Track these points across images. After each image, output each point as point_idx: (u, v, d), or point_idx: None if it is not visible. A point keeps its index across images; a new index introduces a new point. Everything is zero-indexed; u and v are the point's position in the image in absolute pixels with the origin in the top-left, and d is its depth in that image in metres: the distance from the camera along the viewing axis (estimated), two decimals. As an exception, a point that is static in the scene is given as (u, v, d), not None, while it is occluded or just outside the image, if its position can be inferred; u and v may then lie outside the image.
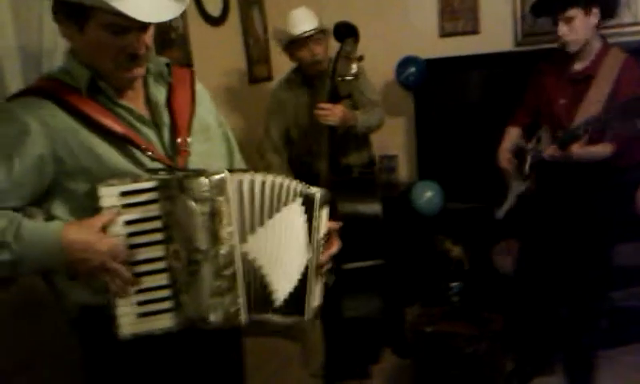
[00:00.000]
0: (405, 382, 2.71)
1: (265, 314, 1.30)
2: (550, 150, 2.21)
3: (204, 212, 1.19)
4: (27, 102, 1.19)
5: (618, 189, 2.27)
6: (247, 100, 3.17)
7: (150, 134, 1.29)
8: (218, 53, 2.93)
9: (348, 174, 2.61)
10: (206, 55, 2.71)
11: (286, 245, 1.32)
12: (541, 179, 2.36)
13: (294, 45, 2.55)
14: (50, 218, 1.21)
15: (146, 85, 1.33)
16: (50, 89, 1.21)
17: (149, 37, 1.22)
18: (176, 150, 1.29)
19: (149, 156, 1.24)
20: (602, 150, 2.14)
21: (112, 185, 1.17)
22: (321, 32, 2.53)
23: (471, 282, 2.94)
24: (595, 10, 2.14)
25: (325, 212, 1.38)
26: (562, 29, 2.17)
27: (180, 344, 1.28)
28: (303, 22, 2.51)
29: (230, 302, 1.23)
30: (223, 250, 1.21)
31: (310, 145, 2.62)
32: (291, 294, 1.32)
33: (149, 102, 1.32)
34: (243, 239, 1.26)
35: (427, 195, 3.08)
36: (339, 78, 2.36)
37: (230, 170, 1.26)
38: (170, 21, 1.30)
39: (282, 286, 1.31)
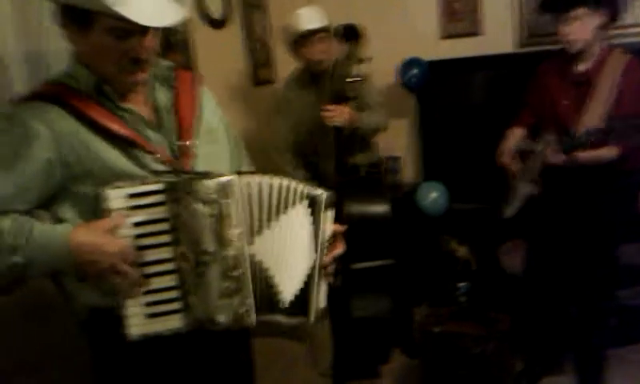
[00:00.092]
0: (413, 381, 2.71)
1: (271, 314, 1.31)
2: (555, 158, 2.21)
3: (211, 214, 1.20)
4: (33, 107, 1.19)
5: (624, 191, 2.27)
6: (250, 102, 3.17)
7: (156, 137, 1.29)
8: (220, 55, 2.94)
9: (355, 174, 2.61)
10: (208, 58, 2.72)
11: (291, 246, 1.32)
12: (547, 181, 2.36)
13: (300, 42, 2.56)
14: (57, 221, 1.21)
15: (150, 88, 1.33)
16: (55, 93, 1.22)
17: (153, 41, 1.23)
18: (181, 153, 1.30)
19: (155, 159, 1.25)
20: (608, 153, 2.14)
21: (119, 187, 1.17)
22: (328, 31, 2.54)
23: (478, 282, 2.93)
24: (602, 12, 2.14)
25: (330, 214, 1.38)
26: (567, 27, 2.16)
27: (189, 345, 1.28)
28: (312, 19, 2.54)
29: (239, 303, 1.24)
30: (231, 252, 1.22)
31: (315, 145, 2.63)
32: (296, 296, 1.32)
33: (153, 105, 1.33)
34: (250, 241, 1.26)
35: (432, 196, 3.08)
36: (345, 79, 2.37)
37: (239, 173, 1.27)
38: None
39: (287, 288, 1.31)
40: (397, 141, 3.40)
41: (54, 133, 1.17)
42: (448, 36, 3.28)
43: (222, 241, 1.21)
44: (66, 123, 1.19)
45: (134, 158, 1.24)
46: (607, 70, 2.18)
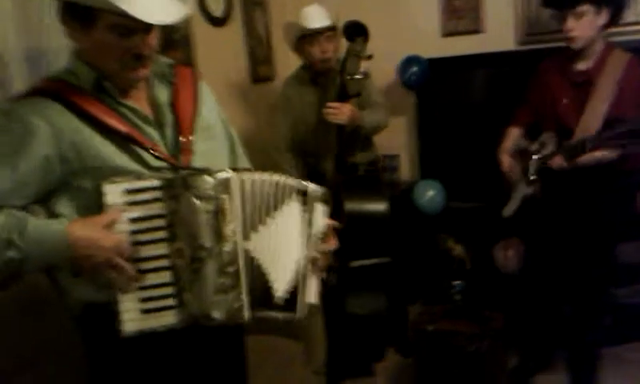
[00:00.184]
0: (408, 380, 2.72)
1: (265, 310, 1.32)
2: (556, 162, 2.22)
3: (208, 210, 1.21)
4: (33, 102, 1.20)
5: (624, 191, 2.28)
6: (250, 100, 3.17)
7: (154, 133, 1.30)
8: (220, 53, 2.93)
9: (354, 173, 2.62)
10: (208, 55, 2.72)
11: (285, 242, 1.34)
12: (546, 182, 2.36)
13: (304, 40, 2.56)
14: (52, 216, 1.21)
15: (149, 85, 1.34)
16: (55, 89, 1.22)
17: (154, 38, 1.24)
18: (180, 149, 1.31)
19: (153, 155, 1.25)
20: (609, 153, 2.14)
21: (116, 182, 1.18)
22: (333, 29, 2.54)
23: (473, 280, 2.94)
24: (605, 11, 2.14)
25: (320, 207, 1.39)
26: (570, 24, 2.16)
27: (184, 341, 1.29)
28: (317, 17, 2.53)
29: (234, 299, 1.25)
30: (227, 248, 1.23)
31: (316, 143, 2.63)
32: (286, 291, 1.34)
33: (152, 101, 1.33)
34: (246, 237, 1.27)
35: (429, 194, 3.09)
36: (348, 77, 2.36)
37: (234, 169, 1.28)
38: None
39: (281, 283, 1.33)
40: (395, 139, 3.40)
41: (54, 128, 1.18)
42: (449, 33, 3.28)
43: (218, 237, 1.22)
44: (66, 119, 1.19)
45: (133, 153, 1.24)
46: (608, 68, 2.18)
